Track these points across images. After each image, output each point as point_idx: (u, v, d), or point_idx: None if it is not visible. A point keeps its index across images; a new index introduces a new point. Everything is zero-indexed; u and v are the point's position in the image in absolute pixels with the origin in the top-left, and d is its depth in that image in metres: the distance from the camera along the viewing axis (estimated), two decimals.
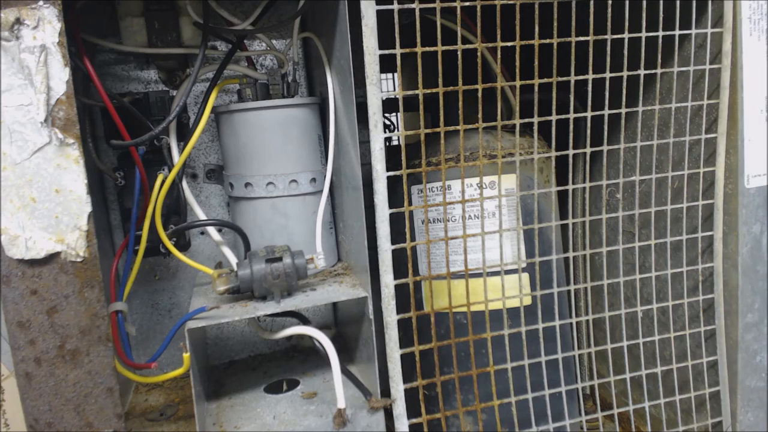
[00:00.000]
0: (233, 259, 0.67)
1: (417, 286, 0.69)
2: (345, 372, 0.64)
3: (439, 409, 0.58)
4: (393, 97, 0.53)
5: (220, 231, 0.71)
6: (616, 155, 0.68)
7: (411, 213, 0.66)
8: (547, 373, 0.60)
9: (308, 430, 0.60)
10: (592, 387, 0.80)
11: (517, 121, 0.57)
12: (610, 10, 0.57)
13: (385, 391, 0.58)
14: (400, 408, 0.57)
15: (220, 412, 0.65)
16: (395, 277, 0.55)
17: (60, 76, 0.47)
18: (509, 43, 0.54)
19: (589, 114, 0.58)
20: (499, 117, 0.55)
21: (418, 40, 0.51)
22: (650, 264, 0.64)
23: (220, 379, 0.76)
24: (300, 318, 0.69)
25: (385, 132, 0.53)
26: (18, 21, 0.45)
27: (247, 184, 0.68)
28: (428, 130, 0.54)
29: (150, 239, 0.66)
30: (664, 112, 0.65)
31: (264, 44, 0.77)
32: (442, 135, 0.54)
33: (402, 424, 0.57)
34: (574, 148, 0.60)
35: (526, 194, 0.64)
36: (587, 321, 0.81)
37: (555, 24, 0.54)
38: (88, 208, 0.49)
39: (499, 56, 0.60)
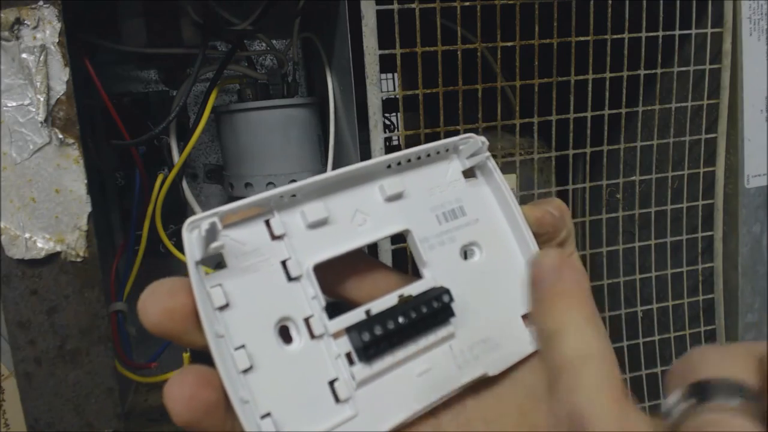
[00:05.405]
0: None
1: None
2: None
3: None
4: (393, 97, 0.53)
5: None
6: (616, 155, 0.68)
7: None
8: None
9: None
10: None
11: (518, 121, 0.56)
12: (609, 10, 0.57)
13: None
14: None
15: None
16: None
17: (60, 76, 0.47)
18: (509, 43, 0.54)
19: (589, 114, 0.58)
20: (499, 117, 0.55)
21: (418, 40, 0.51)
22: (650, 264, 0.64)
23: None
24: None
25: (385, 132, 0.53)
26: (18, 21, 0.45)
27: (247, 184, 0.68)
28: (428, 130, 0.54)
29: (150, 239, 0.66)
30: (664, 112, 0.65)
31: (264, 44, 0.77)
32: (442, 135, 0.54)
33: None
34: (575, 148, 0.60)
35: (526, 194, 0.64)
36: None
37: (555, 24, 0.54)
38: (88, 208, 0.49)
39: (499, 56, 0.60)
